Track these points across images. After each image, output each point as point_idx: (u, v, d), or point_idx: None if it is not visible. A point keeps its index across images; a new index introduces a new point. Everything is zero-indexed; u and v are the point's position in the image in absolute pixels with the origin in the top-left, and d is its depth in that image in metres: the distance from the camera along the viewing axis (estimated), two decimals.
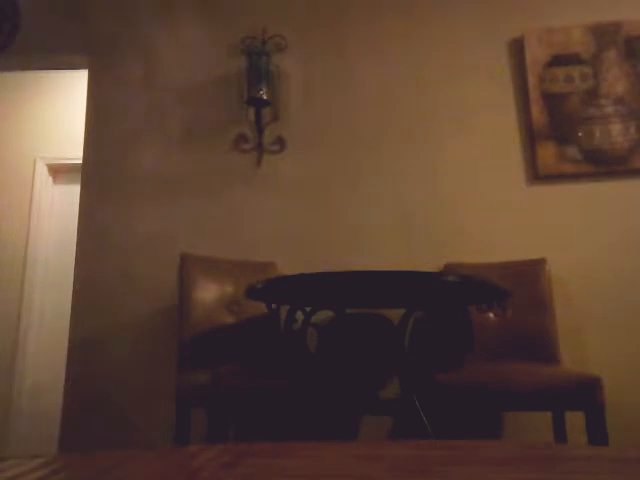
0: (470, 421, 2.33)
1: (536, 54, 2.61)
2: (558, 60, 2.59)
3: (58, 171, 3.97)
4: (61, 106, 3.96)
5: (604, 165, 2.48)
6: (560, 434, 2.10)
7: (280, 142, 2.72)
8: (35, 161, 3.92)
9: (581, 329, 2.35)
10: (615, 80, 2.54)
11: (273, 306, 2.01)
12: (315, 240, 2.58)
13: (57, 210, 3.93)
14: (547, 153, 2.52)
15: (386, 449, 0.71)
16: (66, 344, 2.60)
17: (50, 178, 3.98)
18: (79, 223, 2.72)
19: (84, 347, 2.56)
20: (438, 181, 2.59)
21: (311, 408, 2.21)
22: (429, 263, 2.41)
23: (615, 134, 2.49)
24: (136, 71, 2.88)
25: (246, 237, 2.62)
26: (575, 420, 1.99)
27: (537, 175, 2.52)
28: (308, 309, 1.98)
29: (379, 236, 2.55)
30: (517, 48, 2.67)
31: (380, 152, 2.65)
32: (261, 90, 2.64)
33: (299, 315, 1.98)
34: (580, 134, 2.51)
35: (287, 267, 2.48)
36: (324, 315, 2.27)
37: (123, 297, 2.60)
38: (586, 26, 2.60)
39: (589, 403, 1.69)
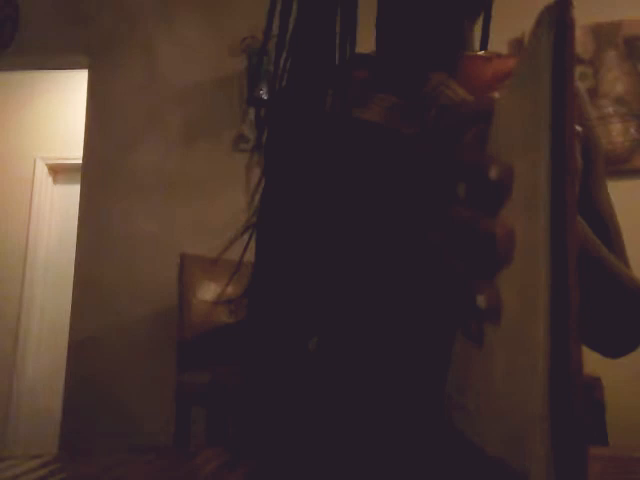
0: None
1: None
2: None
3: (58, 171, 3.97)
4: (61, 106, 3.96)
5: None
6: None
7: None
8: (35, 161, 3.92)
9: None
10: (615, 80, 2.54)
11: None
12: None
13: (57, 210, 3.93)
14: None
15: None
16: (66, 343, 2.60)
17: (50, 178, 3.98)
18: (79, 223, 2.72)
19: (84, 346, 2.56)
20: None
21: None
22: None
23: (615, 134, 2.49)
24: (136, 71, 2.88)
25: (246, 237, 2.61)
26: None
27: None
28: None
29: None
30: (517, 48, 2.67)
31: None
32: (261, 90, 2.64)
33: None
34: None
35: None
36: None
37: (123, 297, 2.60)
38: (586, 26, 2.60)
39: (589, 403, 1.69)
